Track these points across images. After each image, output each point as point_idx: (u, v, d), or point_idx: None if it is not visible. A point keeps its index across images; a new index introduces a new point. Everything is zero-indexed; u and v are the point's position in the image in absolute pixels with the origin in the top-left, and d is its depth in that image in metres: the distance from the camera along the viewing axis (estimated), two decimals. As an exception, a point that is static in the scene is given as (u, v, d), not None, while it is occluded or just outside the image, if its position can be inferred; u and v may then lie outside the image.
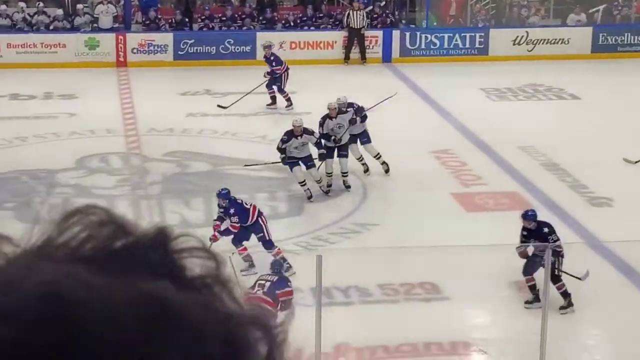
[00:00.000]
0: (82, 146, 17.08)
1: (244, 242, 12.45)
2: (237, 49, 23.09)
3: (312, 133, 14.78)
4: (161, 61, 23.01)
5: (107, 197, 14.75)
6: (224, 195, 12.56)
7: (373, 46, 23.96)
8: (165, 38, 23.31)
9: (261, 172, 16.01)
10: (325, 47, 23.83)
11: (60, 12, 23.45)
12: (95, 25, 23.45)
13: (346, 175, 15.11)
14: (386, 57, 23.95)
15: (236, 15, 24.35)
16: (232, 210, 12.39)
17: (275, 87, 19.49)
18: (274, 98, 19.59)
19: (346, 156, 15.10)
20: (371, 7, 24.67)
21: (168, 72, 22.34)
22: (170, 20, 23.95)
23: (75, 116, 18.94)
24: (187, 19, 24.09)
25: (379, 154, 15.67)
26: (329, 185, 14.98)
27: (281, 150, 14.68)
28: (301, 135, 14.59)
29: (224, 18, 24.30)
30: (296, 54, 23.38)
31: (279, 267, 11.07)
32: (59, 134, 17.81)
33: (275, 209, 14.48)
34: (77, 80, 21.24)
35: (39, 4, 23.34)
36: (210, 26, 24.15)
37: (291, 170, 14.66)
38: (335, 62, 23.56)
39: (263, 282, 10.60)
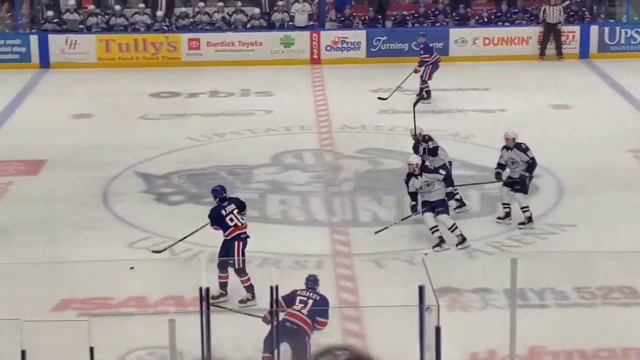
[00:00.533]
0: (277, 142, 17.41)
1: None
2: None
3: (435, 171, 12.93)
4: (354, 58, 23.21)
5: (301, 193, 14.99)
6: (212, 192, 11.77)
7: (570, 41, 23.38)
8: (358, 35, 23.49)
9: (454, 170, 15.88)
10: (519, 42, 23.41)
11: (257, 10, 24.00)
12: (290, 23, 23.89)
13: (526, 210, 13.43)
14: (583, 53, 23.33)
15: (429, 12, 24.27)
16: (209, 212, 11.63)
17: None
18: (428, 92, 19.65)
19: (521, 191, 13.41)
20: (567, 2, 24.09)
21: (361, 69, 22.50)
22: (363, 18, 24.13)
23: (271, 113, 19.34)
24: (380, 16, 24.20)
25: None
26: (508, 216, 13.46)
27: (411, 194, 12.99)
28: (420, 175, 12.83)
29: (417, 15, 24.27)
30: (490, 50, 23.15)
31: (314, 283, 10.17)
32: (255, 131, 18.22)
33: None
34: (273, 78, 21.70)
35: (237, 3, 23.98)
36: (403, 23, 24.16)
37: (422, 214, 12.94)
38: (530, 58, 23.13)
39: (305, 298, 9.93)
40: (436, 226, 12.76)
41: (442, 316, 8.80)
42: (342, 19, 24.13)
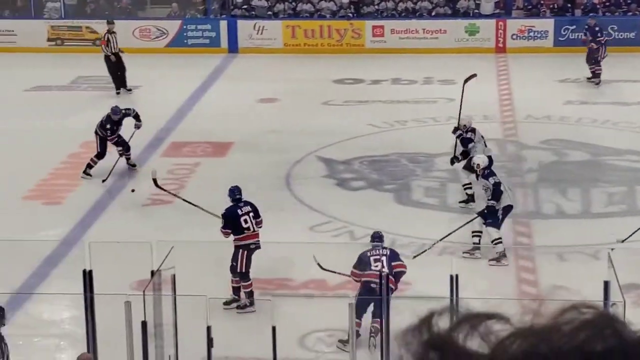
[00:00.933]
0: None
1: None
2: (621, 35, 22.30)
3: (486, 177, 12.28)
4: (541, 47, 22.76)
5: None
6: (228, 192, 11.35)
7: None
8: (546, 24, 23.02)
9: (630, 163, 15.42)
10: None
11: (442, -3, 23.89)
12: (476, 11, 23.64)
13: None
14: None
15: (621, 1, 23.53)
16: (223, 212, 11.13)
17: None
18: (598, 75, 19.36)
19: None
20: None
21: (547, 58, 22.03)
22: (551, 6, 23.61)
23: (454, 101, 19.14)
24: (569, 4, 23.63)
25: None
26: None
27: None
28: (479, 176, 12.43)
29: (608, 3, 23.56)
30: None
31: (379, 238, 10.54)
32: (437, 119, 18.13)
33: (656, 203, 13.84)
34: (456, 66, 21.48)
35: (423, -9, 23.93)
36: (593, 12, 23.50)
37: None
38: None
39: (378, 257, 10.23)
40: (479, 232, 12.27)
41: (628, 313, 8.55)
42: (530, 7, 23.70)
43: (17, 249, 11.91)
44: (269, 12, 24.15)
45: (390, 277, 10.02)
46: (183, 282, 9.69)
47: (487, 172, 12.34)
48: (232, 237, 11.00)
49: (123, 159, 15.31)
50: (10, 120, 18.08)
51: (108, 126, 15.09)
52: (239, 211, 11.05)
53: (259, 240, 11.04)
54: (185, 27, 23.82)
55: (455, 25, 23.18)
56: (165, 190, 12.55)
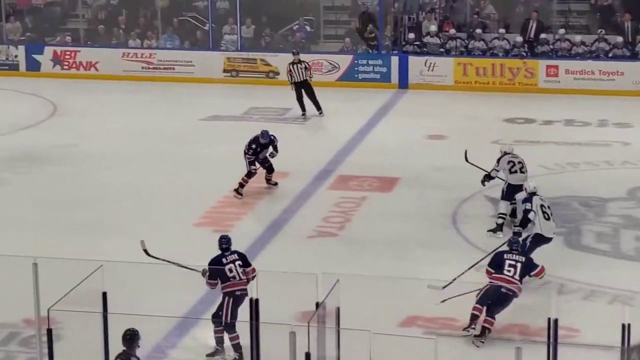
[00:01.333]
0: (634, 176, 16.77)
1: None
2: None
3: (525, 202, 12.86)
4: None
5: (658, 230, 14.34)
6: (218, 241, 10.96)
7: None
8: None
9: None
10: None
11: (620, 39, 23.27)
12: (657, 53, 22.98)
13: None
14: None
15: None
16: (208, 262, 10.68)
17: None
18: None
19: None
20: None
21: None
22: None
23: (629, 145, 18.67)
24: None
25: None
26: None
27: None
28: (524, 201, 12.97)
29: None
30: None
31: (518, 244, 10.92)
32: (611, 163, 17.65)
33: None
34: (633, 109, 20.95)
35: (601, 32, 23.38)
36: None
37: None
38: None
39: (514, 262, 10.69)
40: None
41: None
42: None
43: (187, 274, 12.17)
44: (441, 49, 24.09)
45: (519, 284, 10.58)
46: (347, 315, 9.67)
47: (526, 197, 12.69)
48: (219, 286, 10.69)
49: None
50: (185, 148, 18.63)
51: (253, 146, 15.72)
52: (224, 260, 10.75)
53: (245, 289, 10.59)
54: (356, 61, 24.04)
55: (634, 68, 22.57)
56: (155, 257, 11.87)
